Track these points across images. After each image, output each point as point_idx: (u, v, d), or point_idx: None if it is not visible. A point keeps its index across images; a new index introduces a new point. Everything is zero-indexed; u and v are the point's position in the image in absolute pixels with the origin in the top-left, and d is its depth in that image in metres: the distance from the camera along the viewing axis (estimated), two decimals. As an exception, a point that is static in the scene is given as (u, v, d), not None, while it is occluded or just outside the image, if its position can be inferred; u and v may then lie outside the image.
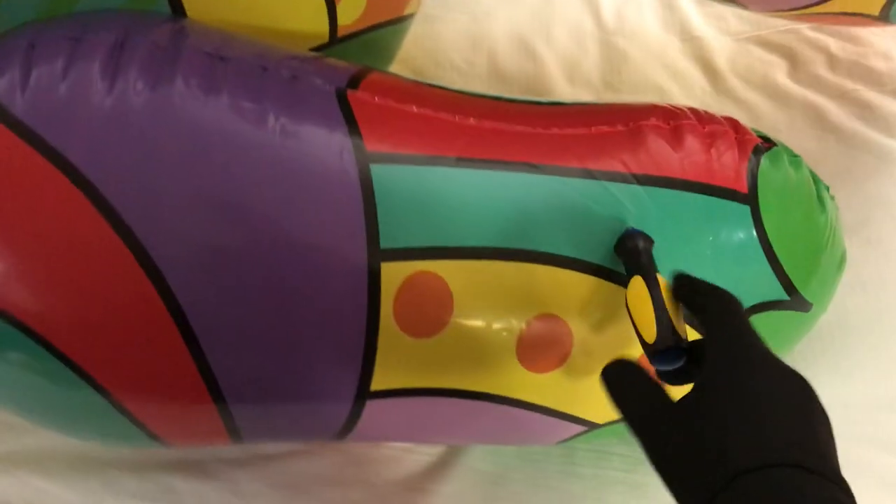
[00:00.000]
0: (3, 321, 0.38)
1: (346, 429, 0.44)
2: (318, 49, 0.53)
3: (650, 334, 0.38)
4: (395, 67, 0.71)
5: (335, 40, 0.53)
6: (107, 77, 0.38)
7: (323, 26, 0.52)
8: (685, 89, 0.74)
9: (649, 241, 0.42)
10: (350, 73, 0.44)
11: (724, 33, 0.79)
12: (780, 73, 0.75)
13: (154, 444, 0.44)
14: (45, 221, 0.37)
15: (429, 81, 0.49)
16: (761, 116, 0.73)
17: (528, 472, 0.57)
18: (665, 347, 0.37)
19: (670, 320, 0.38)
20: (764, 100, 0.73)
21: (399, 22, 0.59)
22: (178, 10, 0.46)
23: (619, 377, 0.37)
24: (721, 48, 0.77)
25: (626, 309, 0.40)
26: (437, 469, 0.56)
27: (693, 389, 0.34)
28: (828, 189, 0.51)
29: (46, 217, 0.37)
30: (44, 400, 0.42)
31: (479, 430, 0.47)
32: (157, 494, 0.53)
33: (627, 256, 0.42)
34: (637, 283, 0.40)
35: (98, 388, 0.39)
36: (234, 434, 0.44)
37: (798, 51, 0.77)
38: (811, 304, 0.48)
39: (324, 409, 0.43)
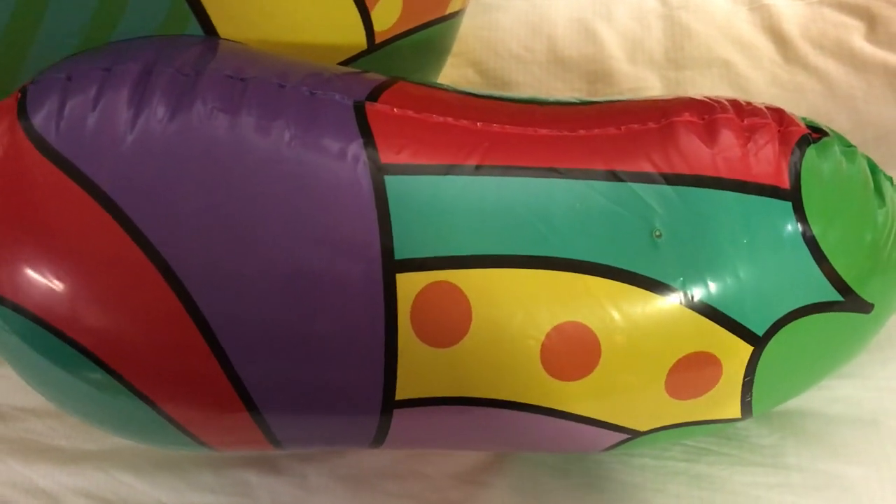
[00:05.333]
0: (58, 338, 0.40)
1: (379, 438, 0.45)
2: (359, 56, 0.54)
3: None
4: (453, 61, 0.71)
5: (374, 47, 0.54)
6: (132, 105, 0.40)
7: (359, 35, 0.52)
8: (753, 61, 0.69)
9: None
10: (373, 86, 0.44)
11: (795, -2, 0.73)
12: (856, 36, 0.70)
13: (204, 449, 0.47)
14: (79, 243, 0.40)
15: (460, 88, 0.48)
16: (835, 84, 0.68)
17: (588, 464, 0.56)
18: None
19: None
20: (839, 66, 0.68)
21: (443, 21, 0.58)
22: (210, 31, 0.47)
23: None
24: (792, 14, 0.72)
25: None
26: (495, 462, 0.56)
27: None
28: (891, 180, 0.47)
29: (81, 239, 0.40)
30: (102, 409, 0.45)
31: (513, 438, 0.46)
32: (233, 488, 0.55)
33: None
34: None
35: (141, 397, 0.42)
36: (274, 442, 0.45)
37: (877, 10, 0.71)
38: (872, 305, 0.45)
39: (353, 419, 0.44)
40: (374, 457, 0.57)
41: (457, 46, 0.69)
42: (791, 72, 0.69)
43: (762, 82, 0.68)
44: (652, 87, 0.70)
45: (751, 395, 0.46)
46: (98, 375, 0.41)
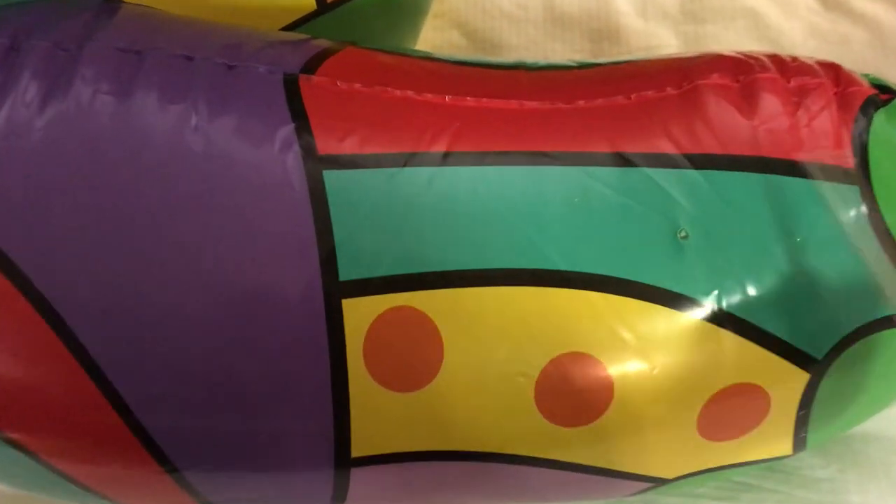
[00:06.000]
0: None
1: (338, 498, 0.36)
2: (307, 19, 0.44)
3: None
4: (434, 23, 0.61)
5: (326, 6, 0.44)
6: (-9, 90, 0.31)
7: (304, -8, 0.42)
8: (785, 9, 0.58)
9: None
10: (311, 54, 0.35)
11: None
12: (909, -28, 0.59)
13: None
14: None
15: (426, 52, 0.38)
16: (887, 33, 0.57)
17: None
18: None
19: None
20: (890, 10, 0.57)
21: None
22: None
23: None
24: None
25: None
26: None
27: None
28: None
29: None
30: None
31: (508, 493, 0.37)
32: None
33: None
34: None
35: (20, 448, 0.33)
36: (205, 503, 0.36)
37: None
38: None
39: (301, 480, 0.35)
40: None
41: (438, 5, 0.59)
42: (832, 20, 0.58)
43: (798, 34, 0.58)
44: (667, 44, 0.60)
45: (806, 431, 0.36)
46: None
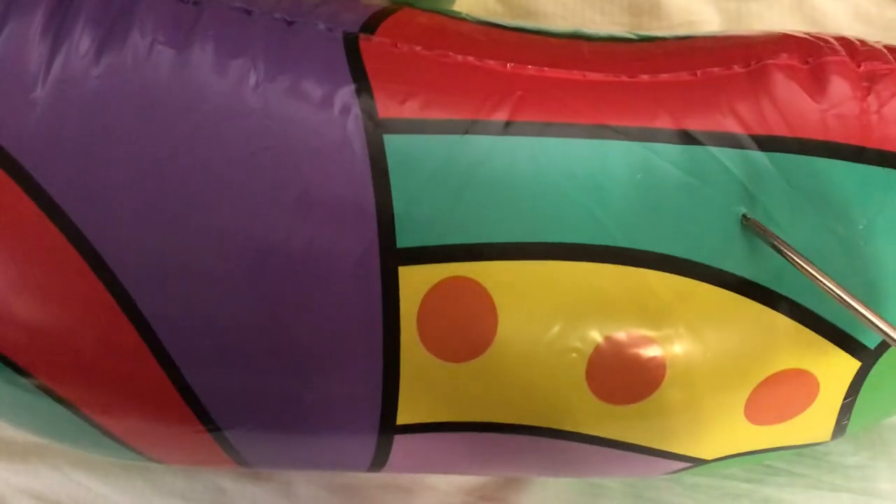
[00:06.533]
0: None
1: (377, 464, 0.36)
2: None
3: None
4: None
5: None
6: (47, 37, 0.30)
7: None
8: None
9: None
10: (369, 13, 0.34)
11: None
12: None
13: (153, 463, 0.38)
14: None
15: (481, 17, 0.37)
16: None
17: (629, 481, 0.47)
18: None
19: None
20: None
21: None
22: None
23: None
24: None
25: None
26: (518, 478, 0.47)
27: None
28: None
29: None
30: (24, 413, 0.35)
31: (548, 468, 0.37)
32: (206, 496, 0.48)
33: None
34: None
35: (65, 404, 0.33)
36: (241, 462, 0.36)
37: None
38: None
39: (342, 443, 0.34)
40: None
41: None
42: (879, 4, 0.57)
43: (843, 17, 0.57)
44: (708, 21, 0.58)
45: (849, 418, 0.36)
46: (13, 377, 0.32)
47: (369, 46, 0.32)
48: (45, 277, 0.30)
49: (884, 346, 0.33)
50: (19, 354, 0.32)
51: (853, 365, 0.33)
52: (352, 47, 0.32)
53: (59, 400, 0.33)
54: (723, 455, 0.36)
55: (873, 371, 0.34)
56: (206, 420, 0.33)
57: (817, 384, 0.34)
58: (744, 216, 0.31)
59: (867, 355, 0.33)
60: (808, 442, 0.37)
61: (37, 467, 0.48)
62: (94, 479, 0.48)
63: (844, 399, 0.35)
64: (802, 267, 0.30)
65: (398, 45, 0.32)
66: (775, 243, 0.30)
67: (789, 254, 0.30)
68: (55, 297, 0.30)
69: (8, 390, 0.33)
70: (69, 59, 0.30)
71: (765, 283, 0.32)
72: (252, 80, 0.30)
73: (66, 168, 0.29)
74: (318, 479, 0.48)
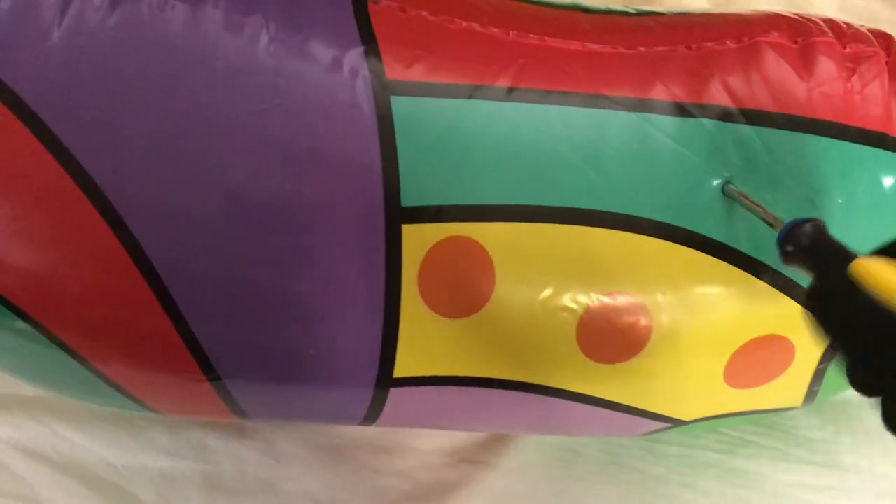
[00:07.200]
0: None
1: (370, 417, 0.37)
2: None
3: None
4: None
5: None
6: (62, -11, 0.30)
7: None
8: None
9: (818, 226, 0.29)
10: (377, -24, 0.35)
11: None
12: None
13: (150, 413, 0.38)
14: None
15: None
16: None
17: (604, 447, 0.49)
18: None
19: None
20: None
21: None
22: None
23: None
24: None
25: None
26: (496, 439, 0.49)
27: None
28: None
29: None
30: (24, 361, 0.36)
31: (533, 423, 0.39)
32: (190, 452, 0.48)
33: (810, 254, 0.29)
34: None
35: (69, 352, 0.33)
36: (239, 413, 0.37)
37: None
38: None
39: (338, 395, 0.36)
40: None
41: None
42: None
43: (828, 8, 0.58)
44: (699, 7, 0.60)
45: (820, 384, 0.38)
46: (14, 323, 0.33)
47: (378, 10, 0.33)
48: (56, 225, 0.31)
49: None
50: (24, 299, 0.32)
51: (828, 332, 0.35)
52: (361, 10, 0.33)
53: (60, 345, 0.33)
54: (701, 416, 0.38)
55: (846, 339, 0.35)
56: (208, 369, 0.34)
57: (793, 350, 0.35)
58: (725, 184, 0.33)
59: (841, 323, 0.35)
60: (781, 406, 0.39)
61: (22, 421, 0.48)
62: (78, 433, 0.48)
63: (818, 365, 0.36)
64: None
65: (405, 9, 0.33)
66: (749, 204, 0.31)
67: (761, 213, 0.31)
68: (66, 245, 0.31)
69: (8, 336, 0.34)
70: (84, 11, 0.30)
71: (747, 252, 0.33)
72: (264, 38, 0.31)
73: (80, 118, 0.30)
74: (300, 438, 0.49)
